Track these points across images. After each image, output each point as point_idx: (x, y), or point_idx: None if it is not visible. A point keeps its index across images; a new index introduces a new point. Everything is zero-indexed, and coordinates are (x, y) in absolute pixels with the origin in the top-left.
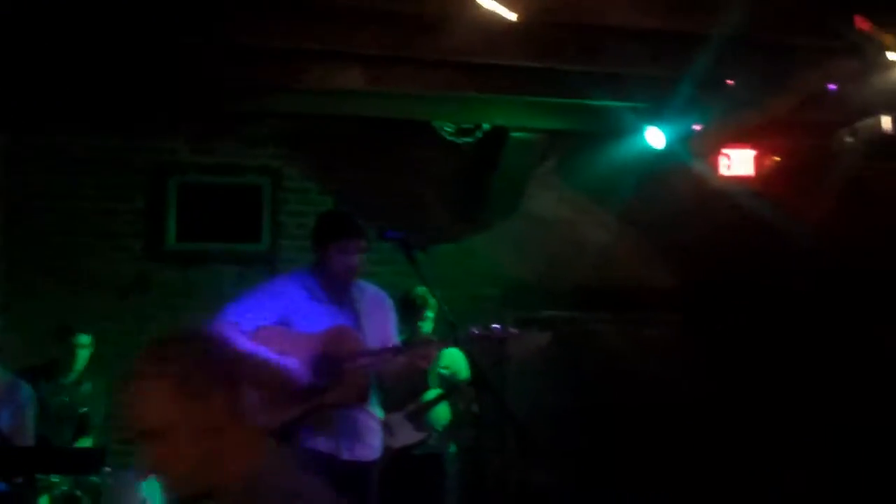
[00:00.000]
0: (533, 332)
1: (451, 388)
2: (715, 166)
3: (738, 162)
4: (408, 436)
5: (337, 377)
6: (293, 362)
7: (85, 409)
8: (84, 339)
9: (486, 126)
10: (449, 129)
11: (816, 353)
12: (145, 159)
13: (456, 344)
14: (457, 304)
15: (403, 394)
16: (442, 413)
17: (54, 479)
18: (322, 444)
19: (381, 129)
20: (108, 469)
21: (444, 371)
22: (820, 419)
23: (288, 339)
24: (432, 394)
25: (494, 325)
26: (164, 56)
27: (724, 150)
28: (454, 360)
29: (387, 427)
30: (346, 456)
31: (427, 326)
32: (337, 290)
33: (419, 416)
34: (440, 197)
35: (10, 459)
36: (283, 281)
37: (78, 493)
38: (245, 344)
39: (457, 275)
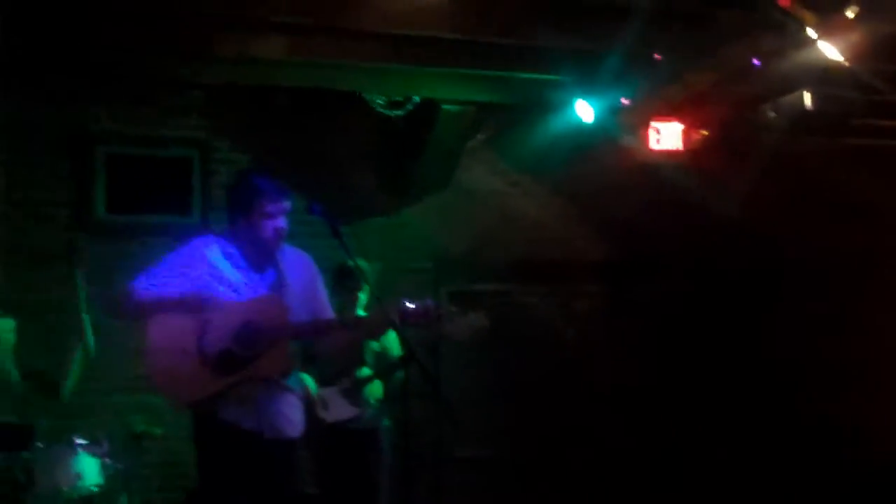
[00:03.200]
0: (470, 313)
1: (383, 365)
2: (644, 140)
3: (666, 135)
4: (342, 410)
5: (261, 349)
6: (217, 332)
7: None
8: (6, 323)
9: (416, 98)
10: (380, 102)
11: (740, 327)
12: (65, 127)
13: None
14: (388, 278)
15: (338, 368)
16: (376, 388)
17: None
18: (244, 420)
19: (311, 99)
20: (39, 445)
21: (376, 347)
22: (742, 395)
23: (209, 308)
24: (365, 371)
25: (429, 301)
26: (78, 18)
27: (653, 124)
28: (386, 336)
29: (321, 401)
30: (269, 434)
31: (364, 296)
32: (260, 256)
33: (353, 392)
34: (371, 169)
35: None
36: (200, 247)
37: (16, 469)
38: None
39: (387, 248)
